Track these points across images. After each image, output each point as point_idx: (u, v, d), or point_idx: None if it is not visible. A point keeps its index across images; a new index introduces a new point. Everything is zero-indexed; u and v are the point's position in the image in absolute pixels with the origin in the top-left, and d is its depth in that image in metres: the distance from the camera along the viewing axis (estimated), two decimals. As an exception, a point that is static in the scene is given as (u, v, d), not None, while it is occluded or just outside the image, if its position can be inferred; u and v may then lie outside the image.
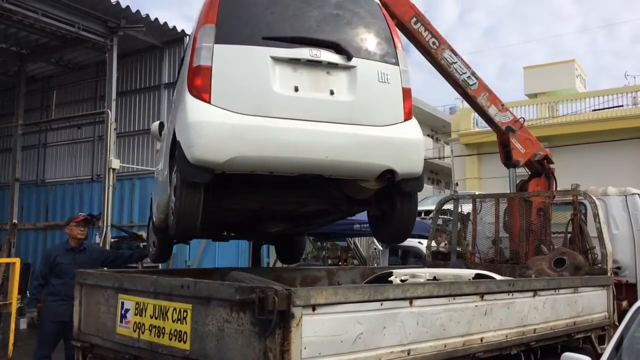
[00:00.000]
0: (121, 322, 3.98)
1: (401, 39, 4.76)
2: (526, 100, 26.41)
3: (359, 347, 3.30)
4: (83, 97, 14.36)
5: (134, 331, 3.84)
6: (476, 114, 24.10)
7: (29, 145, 14.90)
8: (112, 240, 10.38)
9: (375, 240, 12.29)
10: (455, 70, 7.42)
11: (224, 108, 3.97)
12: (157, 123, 5.95)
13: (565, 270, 6.21)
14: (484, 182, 23.19)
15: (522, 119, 7.97)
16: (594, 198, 6.86)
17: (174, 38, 12.17)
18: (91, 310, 4.39)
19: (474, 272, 5.53)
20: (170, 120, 4.83)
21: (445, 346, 3.90)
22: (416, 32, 7.28)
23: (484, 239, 7.61)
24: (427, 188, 34.96)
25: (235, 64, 4.09)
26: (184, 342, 3.46)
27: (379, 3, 4.83)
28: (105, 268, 6.01)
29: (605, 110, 23.13)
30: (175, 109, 4.54)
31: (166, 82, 12.49)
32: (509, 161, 7.72)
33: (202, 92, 4.01)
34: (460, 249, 7.60)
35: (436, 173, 39.04)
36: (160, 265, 8.93)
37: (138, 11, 10.78)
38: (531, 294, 4.91)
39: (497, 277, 5.38)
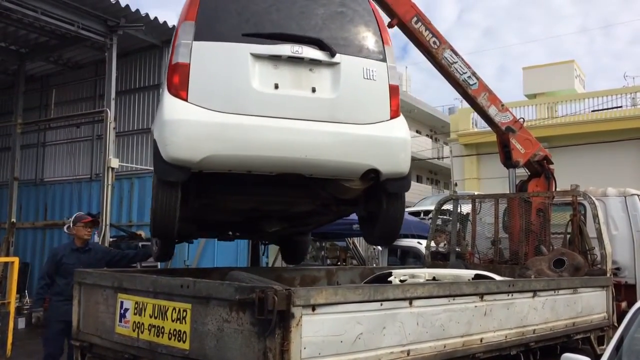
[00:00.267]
0: (120, 321, 3.97)
1: (389, 35, 4.65)
2: (525, 100, 26.42)
3: (359, 347, 3.30)
4: (82, 96, 14.33)
5: (133, 331, 3.83)
6: (475, 114, 24.24)
7: (28, 144, 14.87)
8: (111, 239, 10.35)
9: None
10: (456, 70, 7.41)
11: (200, 106, 3.94)
12: None
13: (565, 271, 6.21)
14: (483, 182, 23.20)
15: (522, 120, 7.97)
16: (594, 199, 6.86)
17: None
18: (90, 310, 4.38)
19: (473, 272, 5.54)
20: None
21: (445, 346, 3.90)
22: (417, 32, 7.27)
23: (483, 240, 7.60)
24: (426, 188, 35.07)
25: (214, 61, 4.05)
26: (184, 342, 3.45)
27: None
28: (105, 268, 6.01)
29: (605, 111, 23.15)
30: (157, 108, 4.52)
31: (165, 81, 12.43)
32: (508, 161, 7.72)
33: (179, 90, 3.97)
34: (459, 250, 7.59)
35: (435, 173, 39.07)
36: (159, 265, 8.91)
37: (138, 10, 10.77)
38: (531, 294, 4.91)
39: (497, 277, 5.39)
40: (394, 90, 4.42)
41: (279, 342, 2.95)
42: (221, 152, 3.93)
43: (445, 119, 35.69)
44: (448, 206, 8.04)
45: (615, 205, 8.25)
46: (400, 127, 4.43)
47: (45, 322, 6.09)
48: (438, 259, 7.74)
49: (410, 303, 3.68)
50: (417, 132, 36.32)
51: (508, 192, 8.06)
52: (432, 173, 39.13)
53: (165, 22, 11.48)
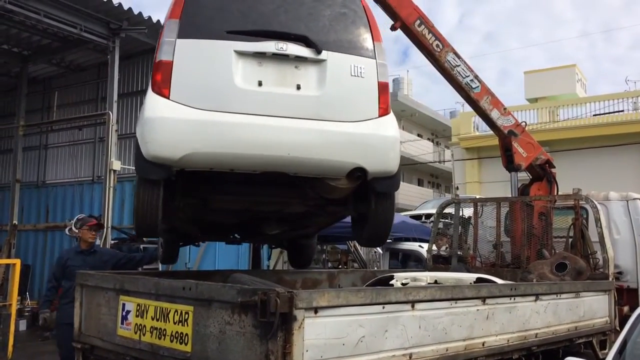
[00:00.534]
0: (122, 323, 3.95)
1: (380, 32, 4.52)
2: (527, 104, 26.43)
3: (361, 350, 3.29)
4: (84, 98, 14.37)
5: (135, 333, 3.82)
6: (477, 118, 24.28)
7: (30, 147, 14.89)
8: (112, 242, 10.36)
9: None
10: (459, 73, 7.42)
11: (182, 103, 3.91)
12: None
13: (567, 275, 6.20)
14: (484, 186, 23.21)
15: (524, 123, 7.97)
16: (596, 203, 6.85)
17: (175, 40, 12.13)
18: (92, 312, 4.36)
19: (475, 276, 5.53)
20: None
21: (447, 350, 3.89)
22: (420, 35, 7.27)
23: (485, 243, 7.59)
24: (427, 192, 35.08)
25: (197, 58, 4.02)
26: (185, 344, 3.44)
27: None
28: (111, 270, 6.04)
29: (606, 115, 23.16)
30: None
31: (167, 84, 12.44)
32: (510, 165, 7.71)
33: (162, 88, 3.96)
34: (461, 253, 7.58)
35: (436, 177, 39.08)
36: (160, 267, 8.91)
37: (140, 13, 10.80)
38: (533, 298, 4.89)
39: (499, 281, 5.37)
40: (383, 88, 4.32)
41: (281, 344, 2.93)
42: (202, 150, 3.89)
43: (447, 122, 35.72)
44: (450, 210, 8.04)
45: (617, 209, 8.25)
46: (388, 125, 4.32)
47: (56, 325, 6.14)
48: (439, 263, 7.73)
49: (413, 306, 3.66)
50: (418, 135, 36.34)
51: (510, 195, 8.05)
52: (433, 177, 39.13)
53: (167, 25, 11.47)
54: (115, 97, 10.91)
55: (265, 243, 7.51)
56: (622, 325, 5.28)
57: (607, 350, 5.74)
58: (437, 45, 7.33)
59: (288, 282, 6.13)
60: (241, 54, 4.03)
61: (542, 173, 7.77)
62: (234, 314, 3.16)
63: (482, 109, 7.59)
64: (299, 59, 4.13)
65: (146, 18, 10.95)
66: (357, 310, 3.31)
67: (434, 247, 7.93)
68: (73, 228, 10.97)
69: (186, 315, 3.46)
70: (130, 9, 10.57)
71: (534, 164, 7.69)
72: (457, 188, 24.02)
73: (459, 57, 7.46)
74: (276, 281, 5.32)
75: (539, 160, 7.70)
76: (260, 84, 4.02)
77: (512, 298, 4.63)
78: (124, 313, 3.96)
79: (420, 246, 10.80)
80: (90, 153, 14.06)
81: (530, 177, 7.95)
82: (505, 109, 7.72)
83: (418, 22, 7.25)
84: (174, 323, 3.53)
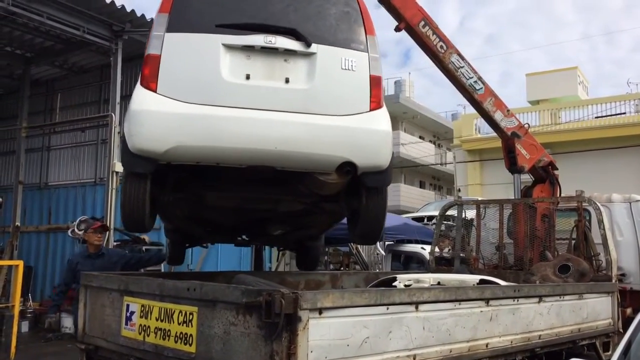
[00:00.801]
0: (126, 324, 3.96)
1: (373, 25, 4.45)
2: (528, 107, 26.46)
3: (365, 351, 3.29)
4: (87, 100, 14.37)
5: (139, 333, 3.82)
6: (478, 121, 24.33)
7: (33, 148, 14.90)
8: (115, 243, 10.37)
9: (378, 246, 12.28)
10: (462, 74, 7.42)
11: (169, 97, 3.90)
12: None
13: (570, 277, 6.19)
14: (486, 188, 23.20)
15: (527, 125, 7.97)
16: (599, 204, 6.85)
17: (178, 42, 12.15)
18: (96, 313, 4.37)
19: (478, 277, 5.53)
20: None
21: (450, 351, 3.89)
22: (424, 36, 7.29)
23: (487, 245, 7.59)
24: (429, 194, 35.06)
25: (185, 52, 4.02)
26: (190, 345, 3.44)
27: None
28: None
29: (608, 117, 23.16)
30: None
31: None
32: (513, 167, 7.71)
33: (149, 82, 3.96)
34: (464, 255, 7.58)
35: (438, 179, 39.06)
36: (162, 268, 8.92)
37: (143, 15, 10.81)
38: (536, 299, 4.89)
39: (502, 283, 5.37)
40: (375, 81, 4.24)
41: (285, 345, 2.94)
42: (187, 143, 3.88)
43: (449, 124, 35.73)
44: (452, 212, 8.04)
45: (620, 211, 8.26)
46: (380, 119, 4.24)
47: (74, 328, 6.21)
48: (442, 264, 7.73)
49: (417, 307, 3.67)
50: (420, 137, 36.33)
51: (512, 197, 8.05)
52: (435, 179, 39.10)
53: (170, 27, 11.49)
54: (117, 99, 10.92)
55: (272, 245, 7.50)
56: (625, 327, 5.28)
57: (610, 352, 5.74)
58: (441, 47, 7.34)
59: (291, 283, 6.13)
60: (229, 47, 4.02)
61: (545, 175, 7.77)
62: (239, 314, 3.17)
63: (485, 110, 7.60)
64: (288, 52, 4.10)
65: (149, 20, 10.94)
66: (362, 311, 3.32)
67: (437, 249, 7.93)
68: (76, 230, 11.02)
69: (190, 316, 3.47)
70: (133, 11, 10.59)
71: (537, 166, 7.69)
72: (460, 190, 24.01)
73: (462, 58, 7.47)
74: (279, 282, 5.31)
75: (541, 162, 7.70)
76: (248, 77, 4.00)
77: (516, 299, 4.63)
78: (128, 314, 3.97)
79: (422, 248, 10.80)
80: (93, 155, 14.06)
81: (533, 179, 7.95)
82: (508, 110, 7.73)
83: (422, 23, 7.26)
84: (179, 324, 3.53)
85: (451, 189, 32.68)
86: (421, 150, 34.51)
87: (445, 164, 34.88)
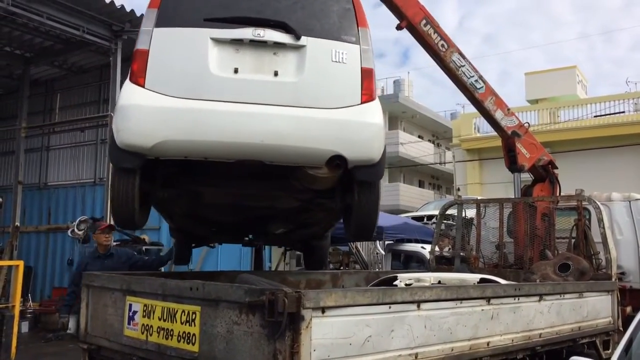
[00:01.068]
0: (129, 324, 3.96)
1: (366, 16, 4.36)
2: (527, 106, 26.44)
3: (368, 349, 3.31)
4: (86, 100, 14.38)
5: (142, 333, 3.83)
6: (477, 120, 24.32)
7: (32, 148, 14.91)
8: (115, 243, 10.35)
9: (378, 245, 12.29)
10: (463, 73, 7.44)
11: (156, 91, 3.89)
12: None
13: (570, 275, 6.21)
14: (485, 187, 23.21)
15: (527, 124, 7.99)
16: (599, 203, 6.87)
17: (177, 42, 12.16)
18: (98, 312, 4.38)
19: (478, 276, 5.55)
20: None
21: (452, 350, 3.91)
22: (426, 35, 7.30)
23: (487, 244, 7.61)
24: (429, 193, 35.05)
25: (173, 46, 4.01)
26: (193, 344, 3.45)
27: None
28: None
29: (607, 116, 23.18)
30: None
31: (169, 85, 12.46)
32: (513, 166, 7.73)
33: (138, 77, 3.95)
34: (464, 254, 7.59)
35: (437, 178, 39.05)
36: (162, 268, 8.92)
37: (142, 15, 10.79)
38: (537, 298, 4.91)
39: (502, 281, 5.39)
40: (366, 74, 4.17)
41: (288, 344, 2.94)
42: (174, 138, 3.86)
43: (448, 124, 35.70)
44: (452, 211, 8.05)
45: (620, 209, 8.28)
46: (371, 112, 4.16)
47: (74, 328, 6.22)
48: (442, 264, 7.74)
49: (418, 306, 3.68)
50: (419, 137, 36.33)
51: (512, 196, 8.07)
52: (434, 178, 39.10)
53: (169, 27, 11.50)
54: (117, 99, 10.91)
55: (278, 244, 7.46)
56: (625, 326, 5.30)
57: (610, 350, 5.76)
58: (443, 45, 7.36)
59: (292, 282, 6.14)
60: (218, 41, 4.00)
61: (545, 174, 7.80)
62: (242, 314, 3.18)
63: (486, 109, 7.61)
64: (278, 45, 4.07)
65: (148, 20, 10.96)
66: (364, 310, 3.33)
67: (437, 248, 7.94)
68: (76, 230, 11.02)
69: (193, 316, 3.47)
70: (132, 11, 10.61)
71: (537, 165, 7.71)
72: (459, 189, 24.02)
73: (463, 57, 7.48)
74: (280, 282, 5.32)
75: (541, 161, 7.72)
76: (236, 71, 3.97)
77: (517, 298, 4.65)
78: (130, 313, 3.97)
79: (422, 247, 10.81)
80: (92, 155, 14.07)
81: (533, 178, 7.96)
82: (509, 109, 7.75)
83: (424, 21, 7.28)
84: (181, 323, 3.54)
85: (450, 188, 32.70)
86: (420, 150, 34.50)
87: (445, 163, 34.88)
